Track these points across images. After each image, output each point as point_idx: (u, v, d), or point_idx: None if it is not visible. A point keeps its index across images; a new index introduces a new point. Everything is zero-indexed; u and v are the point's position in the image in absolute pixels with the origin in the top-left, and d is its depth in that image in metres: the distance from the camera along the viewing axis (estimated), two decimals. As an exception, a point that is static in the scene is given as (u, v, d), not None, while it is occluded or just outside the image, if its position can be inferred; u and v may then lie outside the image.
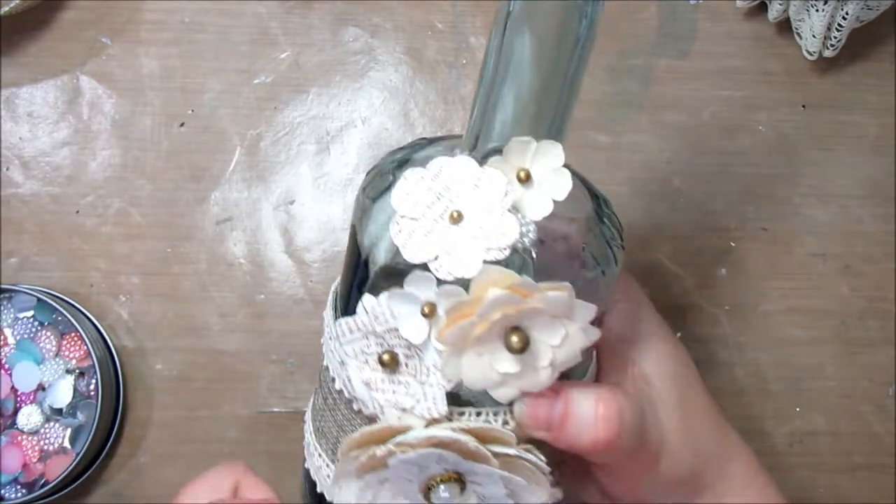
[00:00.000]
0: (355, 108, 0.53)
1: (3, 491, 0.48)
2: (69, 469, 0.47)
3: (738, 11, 0.54)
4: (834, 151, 0.54)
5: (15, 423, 0.49)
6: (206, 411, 0.51)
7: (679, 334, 0.52)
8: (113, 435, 0.50)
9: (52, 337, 0.50)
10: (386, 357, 0.31)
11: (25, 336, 0.50)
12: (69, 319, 0.48)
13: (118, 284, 0.52)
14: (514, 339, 0.29)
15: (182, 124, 0.53)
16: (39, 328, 0.50)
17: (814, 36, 0.50)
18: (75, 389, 0.49)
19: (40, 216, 0.52)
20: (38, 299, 0.49)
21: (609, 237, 0.34)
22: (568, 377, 0.32)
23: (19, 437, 0.49)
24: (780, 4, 0.51)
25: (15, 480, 0.48)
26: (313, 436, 0.37)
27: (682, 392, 0.36)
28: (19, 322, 0.50)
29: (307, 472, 0.37)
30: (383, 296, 0.31)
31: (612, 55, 0.54)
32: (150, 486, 0.51)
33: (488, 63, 0.31)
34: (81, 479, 0.49)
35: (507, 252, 0.29)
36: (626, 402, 0.31)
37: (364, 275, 0.33)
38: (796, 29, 0.53)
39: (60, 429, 0.49)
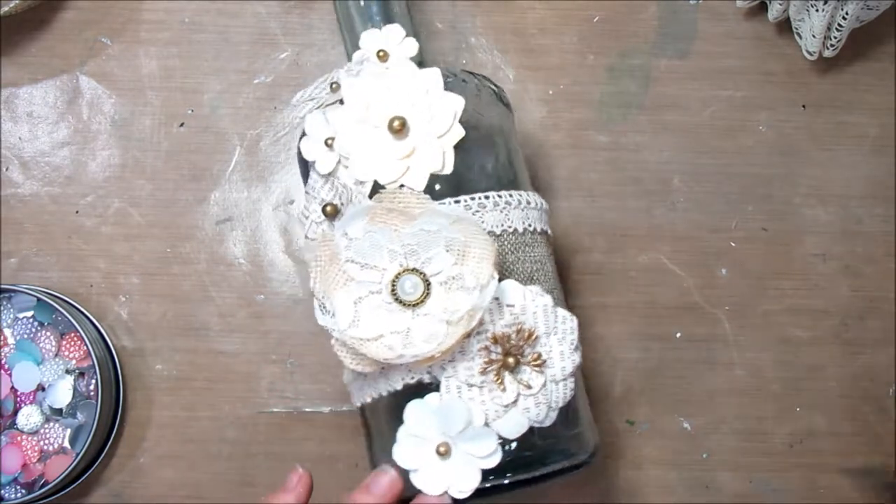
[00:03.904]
0: (355, 108, 0.53)
1: (2, 491, 0.48)
2: (69, 469, 0.47)
3: (738, 11, 0.54)
4: (834, 151, 0.54)
5: (15, 424, 0.49)
6: (206, 411, 0.51)
7: (679, 334, 0.52)
8: (113, 435, 0.50)
9: (51, 337, 0.50)
10: (328, 209, 0.39)
11: (25, 336, 0.50)
12: (69, 319, 0.48)
13: (118, 284, 0.52)
14: (395, 123, 0.38)
15: (182, 124, 0.53)
16: (39, 328, 0.50)
17: (814, 36, 0.50)
18: (75, 389, 0.49)
19: (40, 216, 0.52)
20: (38, 299, 0.49)
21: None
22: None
23: (19, 438, 0.49)
24: (780, 4, 0.51)
25: (15, 480, 0.48)
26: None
27: None
28: (19, 322, 0.50)
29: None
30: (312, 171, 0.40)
31: (612, 55, 0.54)
32: (150, 486, 0.51)
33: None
34: (81, 480, 0.49)
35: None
36: None
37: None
38: (796, 29, 0.53)
39: (60, 429, 0.49)
